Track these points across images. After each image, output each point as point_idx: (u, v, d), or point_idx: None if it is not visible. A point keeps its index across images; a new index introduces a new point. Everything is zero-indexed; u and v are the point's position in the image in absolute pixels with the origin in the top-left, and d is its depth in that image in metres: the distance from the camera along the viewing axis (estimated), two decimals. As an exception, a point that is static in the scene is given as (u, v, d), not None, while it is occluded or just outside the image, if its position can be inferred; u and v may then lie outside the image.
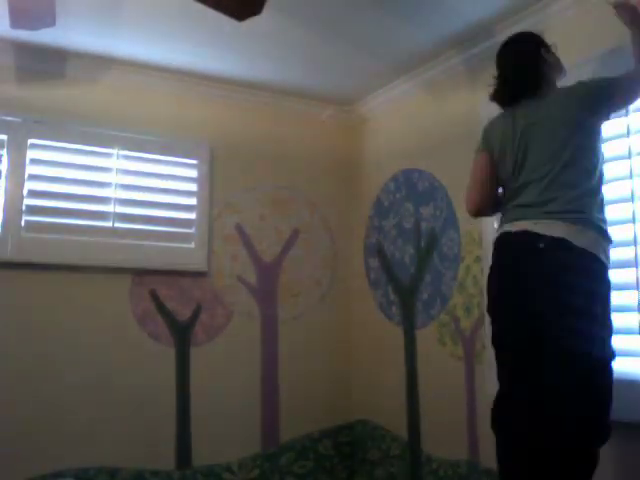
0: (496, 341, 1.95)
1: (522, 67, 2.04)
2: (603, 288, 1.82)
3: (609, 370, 1.80)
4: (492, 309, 1.97)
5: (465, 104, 2.88)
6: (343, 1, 2.50)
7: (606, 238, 1.86)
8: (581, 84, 1.94)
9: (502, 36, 2.64)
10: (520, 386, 1.84)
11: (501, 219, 2.03)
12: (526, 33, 2.13)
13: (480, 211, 2.14)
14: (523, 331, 1.83)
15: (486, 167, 2.08)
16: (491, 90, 2.10)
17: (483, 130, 2.14)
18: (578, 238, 1.79)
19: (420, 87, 3.18)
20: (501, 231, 1.97)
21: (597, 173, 1.88)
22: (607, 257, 1.84)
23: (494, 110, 2.64)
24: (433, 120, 3.09)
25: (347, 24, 2.68)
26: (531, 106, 1.97)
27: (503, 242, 1.95)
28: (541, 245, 1.81)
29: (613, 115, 2.06)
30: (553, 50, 2.07)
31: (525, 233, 1.86)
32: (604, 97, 1.90)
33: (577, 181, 1.84)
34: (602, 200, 1.89)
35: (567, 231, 1.79)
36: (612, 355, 1.81)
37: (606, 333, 1.81)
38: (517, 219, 1.91)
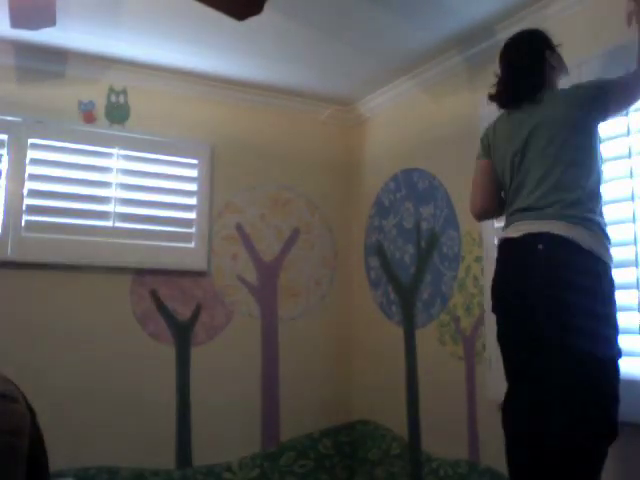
0: (501, 340, 1.97)
1: (524, 69, 2.00)
2: (606, 287, 1.81)
3: (614, 369, 1.79)
4: (497, 310, 1.99)
5: (465, 104, 2.88)
6: (343, 1, 2.50)
7: (607, 238, 1.86)
8: (579, 86, 1.94)
9: (502, 36, 2.65)
10: (522, 386, 1.86)
11: (505, 222, 2.04)
12: (529, 32, 2.09)
13: (483, 215, 2.19)
14: (525, 331, 1.84)
15: (487, 172, 2.10)
16: (492, 90, 2.09)
17: (483, 136, 2.15)
18: (578, 238, 1.79)
19: (420, 87, 3.18)
20: (503, 236, 1.98)
21: (596, 174, 1.88)
22: (609, 256, 1.84)
23: (494, 110, 2.65)
24: (433, 120, 3.09)
25: (347, 24, 2.68)
26: (530, 109, 1.95)
27: (504, 247, 1.97)
28: (540, 246, 1.82)
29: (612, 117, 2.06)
30: (557, 50, 2.05)
31: (524, 236, 1.87)
32: (602, 97, 1.89)
33: (577, 183, 1.84)
34: (601, 200, 1.90)
35: (567, 230, 1.80)
36: (618, 354, 1.80)
37: (611, 332, 1.80)
38: (516, 222, 1.93)
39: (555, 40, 2.08)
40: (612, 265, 1.85)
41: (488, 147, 2.10)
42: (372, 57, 3.00)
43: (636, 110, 2.12)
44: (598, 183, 1.89)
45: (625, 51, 2.12)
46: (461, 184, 2.87)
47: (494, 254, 2.59)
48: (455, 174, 2.91)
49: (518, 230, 1.90)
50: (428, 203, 3.07)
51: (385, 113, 3.49)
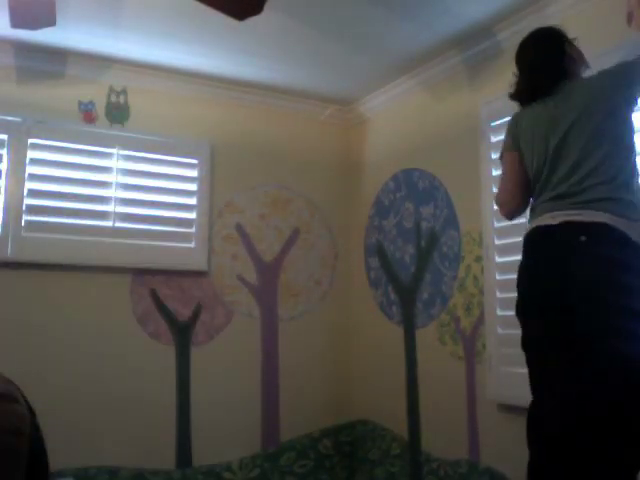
0: (530, 343, 1.82)
1: (543, 64, 1.95)
2: None
3: None
4: (525, 310, 1.84)
5: (465, 104, 2.88)
6: (343, 1, 2.50)
7: None
8: (603, 72, 1.86)
9: (502, 36, 2.66)
10: (552, 390, 1.72)
11: (531, 215, 1.91)
12: (545, 28, 2.03)
13: (514, 212, 2.03)
14: (560, 332, 1.71)
15: (517, 164, 1.96)
16: (512, 89, 2.01)
17: (508, 128, 2.04)
18: (625, 228, 1.67)
19: (420, 87, 3.18)
20: (533, 226, 1.84)
21: (632, 160, 1.79)
22: None
23: (494, 110, 2.65)
24: (433, 120, 3.09)
25: (347, 24, 2.68)
26: (556, 101, 1.86)
27: (535, 237, 1.83)
28: (582, 238, 1.69)
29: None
30: (575, 43, 1.99)
31: (562, 224, 1.73)
32: (628, 80, 1.82)
33: (612, 171, 1.74)
34: (638, 187, 1.78)
35: (613, 220, 1.68)
36: None
37: None
38: (550, 211, 1.78)
39: (570, 35, 2.04)
40: None
41: (515, 139, 1.98)
42: (372, 57, 3.00)
43: (636, 110, 2.11)
44: (636, 171, 1.78)
45: (625, 51, 2.12)
46: (461, 184, 2.87)
47: (494, 254, 2.61)
48: (455, 174, 2.91)
49: (554, 218, 1.76)
50: (428, 203, 3.07)
51: (385, 113, 3.49)
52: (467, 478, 2.70)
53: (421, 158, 3.15)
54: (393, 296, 3.28)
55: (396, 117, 3.40)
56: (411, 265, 3.15)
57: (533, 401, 1.80)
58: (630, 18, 2.02)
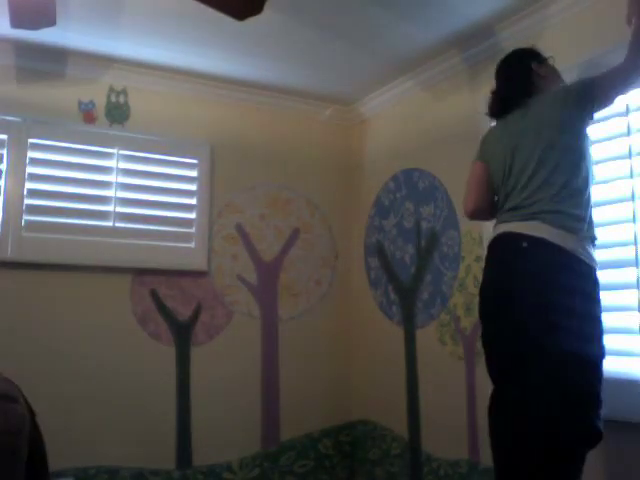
0: (486, 341, 1.98)
1: (510, 82, 2.13)
2: (589, 287, 1.82)
3: (597, 370, 1.78)
4: (482, 311, 2.01)
5: (465, 104, 2.88)
6: (343, 1, 2.50)
7: (591, 240, 1.88)
8: (564, 87, 2.03)
9: (502, 36, 2.66)
10: (506, 386, 1.87)
11: (495, 223, 2.07)
12: (518, 50, 2.20)
13: (474, 215, 2.22)
14: (508, 331, 1.86)
15: (480, 175, 2.14)
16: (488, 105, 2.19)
17: (480, 141, 2.21)
18: (559, 240, 1.81)
19: (420, 87, 3.18)
20: (493, 235, 2.01)
21: (584, 175, 1.89)
22: (592, 258, 1.85)
23: (494, 110, 2.65)
24: (433, 120, 3.09)
25: (347, 24, 2.68)
26: (519, 114, 2.02)
27: (491, 247, 2.00)
28: (524, 244, 1.85)
29: (612, 115, 2.07)
30: (550, 62, 2.12)
31: (509, 235, 1.91)
32: (588, 94, 1.91)
33: (561, 182, 1.86)
34: (589, 201, 1.89)
35: (548, 232, 1.82)
36: (602, 355, 1.80)
37: (595, 332, 1.80)
38: (504, 222, 1.96)
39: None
40: (596, 267, 1.86)
41: (482, 150, 2.17)
42: (372, 57, 3.00)
43: (636, 110, 2.12)
44: (586, 184, 1.89)
45: (625, 51, 2.12)
46: (461, 184, 2.85)
47: (494, 254, 2.61)
48: (455, 174, 2.91)
49: (503, 229, 1.94)
50: (428, 203, 3.07)
51: (385, 113, 3.49)
52: (467, 478, 2.70)
53: (421, 158, 3.15)
54: (393, 296, 3.28)
55: (396, 117, 3.40)
56: (411, 265, 3.15)
57: (492, 393, 1.93)
58: (630, 18, 2.03)
